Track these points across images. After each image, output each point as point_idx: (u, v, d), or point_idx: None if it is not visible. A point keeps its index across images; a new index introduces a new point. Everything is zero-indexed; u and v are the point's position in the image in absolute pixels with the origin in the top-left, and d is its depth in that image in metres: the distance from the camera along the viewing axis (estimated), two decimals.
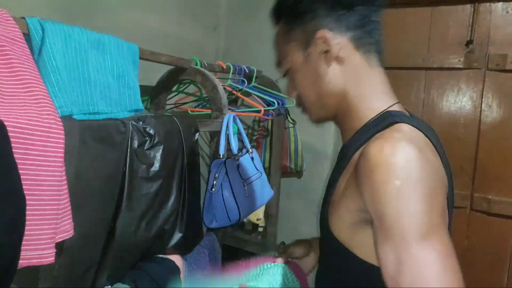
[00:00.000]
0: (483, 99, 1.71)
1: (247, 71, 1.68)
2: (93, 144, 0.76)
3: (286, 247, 1.07)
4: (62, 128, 0.66)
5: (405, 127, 0.64)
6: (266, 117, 1.77)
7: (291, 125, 1.87)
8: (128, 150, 0.85)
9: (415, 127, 0.65)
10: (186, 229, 1.06)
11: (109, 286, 0.88)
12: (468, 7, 1.71)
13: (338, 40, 0.69)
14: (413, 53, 1.81)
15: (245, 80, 1.59)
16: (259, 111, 1.50)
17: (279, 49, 0.77)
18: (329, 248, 0.72)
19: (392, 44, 1.84)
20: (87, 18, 1.23)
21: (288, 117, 1.87)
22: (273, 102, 1.60)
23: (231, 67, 1.57)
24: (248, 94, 1.73)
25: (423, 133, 0.65)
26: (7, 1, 0.96)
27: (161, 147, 0.92)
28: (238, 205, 1.17)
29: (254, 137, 1.95)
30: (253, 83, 1.76)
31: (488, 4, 1.68)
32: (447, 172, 0.69)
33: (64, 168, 0.66)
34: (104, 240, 0.86)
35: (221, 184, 1.18)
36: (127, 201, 0.86)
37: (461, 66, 1.73)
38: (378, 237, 0.58)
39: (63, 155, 0.66)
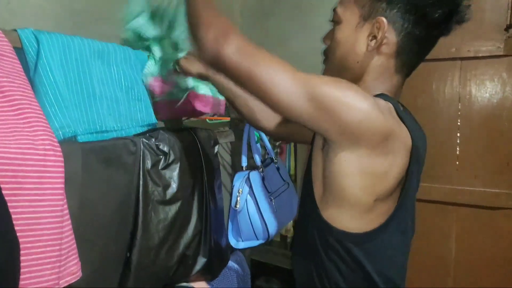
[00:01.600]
0: None
1: None
2: (99, 169, 0.66)
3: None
4: (61, 153, 0.57)
5: (377, 97, 0.66)
6: None
7: None
8: (141, 172, 0.75)
9: (390, 101, 0.68)
10: (210, 252, 0.96)
11: None
12: None
13: (390, 37, 0.69)
14: (445, 42, 1.65)
15: None
16: None
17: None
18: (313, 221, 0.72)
19: None
20: (94, 28, 1.14)
21: None
22: None
23: None
24: None
25: (403, 120, 0.66)
26: (3, 13, 0.89)
27: (178, 165, 0.82)
28: (266, 222, 1.06)
29: (277, 143, 1.83)
30: None
31: None
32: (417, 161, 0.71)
33: (65, 200, 0.57)
34: (120, 274, 0.76)
35: (246, 200, 1.07)
36: (143, 229, 0.76)
37: (501, 53, 1.57)
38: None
39: (62, 185, 0.56)
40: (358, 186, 0.64)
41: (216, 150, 1.00)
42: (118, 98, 0.82)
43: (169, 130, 0.85)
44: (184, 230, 0.86)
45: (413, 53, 0.71)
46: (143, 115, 0.87)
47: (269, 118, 0.96)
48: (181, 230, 0.85)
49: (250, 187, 1.08)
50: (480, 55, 1.61)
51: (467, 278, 1.72)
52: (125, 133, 0.82)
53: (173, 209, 0.81)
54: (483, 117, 1.63)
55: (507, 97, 1.59)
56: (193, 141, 0.90)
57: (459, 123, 1.67)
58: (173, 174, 0.81)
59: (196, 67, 0.93)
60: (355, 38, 0.71)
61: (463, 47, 1.63)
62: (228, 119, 1.26)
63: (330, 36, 0.78)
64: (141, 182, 0.75)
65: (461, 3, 0.70)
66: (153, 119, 0.88)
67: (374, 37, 0.69)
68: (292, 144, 1.79)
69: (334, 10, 0.77)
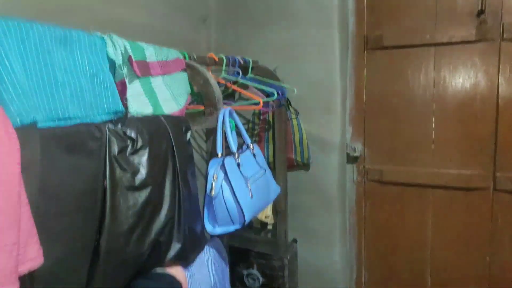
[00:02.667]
0: (499, 73, 1.58)
1: (242, 62, 1.57)
2: (60, 155, 0.65)
3: None
4: (16, 139, 0.56)
5: None
6: (266, 109, 1.66)
7: (293, 115, 1.75)
8: (107, 158, 0.74)
9: None
10: (185, 238, 0.96)
11: None
12: None
13: None
14: (420, 29, 1.68)
15: (239, 71, 1.47)
16: (257, 103, 1.38)
17: None
18: None
19: (397, 20, 1.71)
20: (64, 16, 1.12)
21: (290, 107, 1.75)
22: (272, 92, 1.49)
23: (224, 58, 1.46)
24: (245, 87, 1.62)
25: None
26: None
27: (146, 150, 0.82)
28: (241, 207, 1.06)
29: (255, 132, 1.84)
30: (249, 75, 1.64)
31: None
32: None
33: (22, 187, 0.56)
34: (89, 262, 0.76)
35: (221, 185, 1.07)
36: (111, 215, 0.76)
37: (473, 39, 1.60)
38: None
39: (18, 171, 0.55)
40: None
41: (188, 136, 0.99)
42: (82, 85, 0.81)
43: (136, 117, 0.84)
44: (156, 216, 0.86)
45: None
46: (109, 102, 0.85)
47: None
48: (153, 216, 0.85)
49: (225, 173, 1.08)
50: (453, 41, 1.63)
51: (443, 256, 1.76)
52: (90, 120, 0.81)
53: (143, 195, 0.81)
54: (457, 102, 1.66)
55: (480, 82, 1.62)
56: (163, 127, 0.89)
57: (434, 108, 1.70)
58: (142, 160, 0.81)
59: None
60: None
61: (437, 34, 1.66)
62: (202, 107, 1.25)
63: None
64: (107, 168, 0.74)
65: None
66: (120, 106, 0.87)
67: None
68: (270, 132, 1.79)
69: None
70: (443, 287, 1.78)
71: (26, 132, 0.60)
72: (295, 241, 1.81)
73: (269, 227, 1.86)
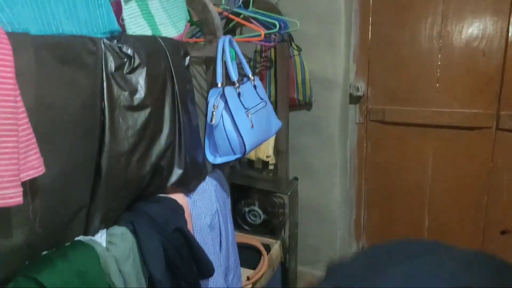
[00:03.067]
0: (511, 9, 1.51)
1: None
2: (55, 66, 0.63)
3: None
4: (8, 42, 0.53)
5: None
6: (268, 44, 1.61)
7: (296, 52, 1.70)
8: (103, 74, 0.72)
9: None
10: (186, 164, 0.96)
11: (105, 230, 0.80)
12: None
13: None
14: None
15: (240, 2, 1.41)
16: (259, 35, 1.34)
17: None
18: None
19: None
20: None
21: (293, 43, 1.70)
22: (274, 24, 1.43)
23: None
24: (246, 21, 1.56)
25: None
26: None
27: (144, 70, 0.79)
28: (242, 137, 1.06)
29: (257, 70, 1.80)
30: (251, 8, 1.58)
31: None
32: None
33: (18, 92, 0.55)
34: (92, 180, 0.76)
35: (222, 115, 1.06)
36: (111, 134, 0.75)
37: None
38: None
39: (13, 75, 0.54)
40: None
41: (187, 62, 0.96)
42: (75, 2, 0.77)
43: (132, 35, 0.81)
44: (156, 139, 0.85)
45: None
46: (104, 21, 0.82)
47: None
48: (153, 139, 0.85)
49: (226, 102, 1.06)
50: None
51: (442, 196, 1.79)
52: None
53: (142, 115, 0.80)
54: (463, 42, 1.61)
55: (487, 27, 1.56)
56: (160, 48, 0.86)
57: (441, 45, 1.65)
58: (139, 79, 0.78)
59: None
60: None
61: None
62: (202, 40, 1.21)
63: None
64: (105, 85, 0.72)
65: None
66: (115, 26, 0.83)
67: None
68: (272, 70, 1.76)
69: None
70: (440, 227, 1.82)
71: (19, 38, 0.57)
72: (296, 178, 1.83)
73: (271, 167, 1.88)
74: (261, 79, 1.77)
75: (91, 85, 0.71)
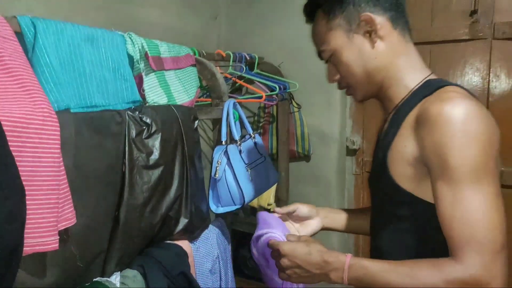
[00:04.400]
0: (490, 70, 1.67)
1: (248, 58, 1.69)
2: (89, 135, 0.79)
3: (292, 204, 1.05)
4: (57, 120, 0.69)
5: (455, 88, 0.73)
6: (269, 103, 1.77)
7: (296, 109, 1.87)
8: (126, 140, 0.87)
9: (461, 87, 0.75)
10: (192, 214, 1.09)
11: (119, 273, 0.92)
12: None
13: (379, 21, 0.78)
14: (417, 27, 1.77)
15: (243, 67, 1.60)
16: (260, 97, 1.50)
17: (319, 39, 0.85)
18: (397, 200, 0.77)
19: None
20: (81, 16, 1.25)
21: (293, 101, 1.87)
22: (275, 87, 1.60)
23: (231, 54, 1.58)
24: (251, 82, 1.74)
25: (470, 93, 0.73)
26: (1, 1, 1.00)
27: (159, 135, 0.95)
28: (242, 189, 1.19)
29: (261, 124, 1.96)
30: (255, 70, 1.76)
31: None
32: None
33: (61, 159, 0.69)
34: (111, 228, 0.89)
35: (224, 169, 1.20)
36: (129, 189, 0.89)
37: (466, 37, 1.69)
38: (437, 180, 0.68)
39: (59, 146, 0.68)
40: None
41: (195, 125, 1.12)
42: (106, 78, 0.94)
43: (151, 106, 0.97)
44: (167, 192, 0.99)
45: (400, 15, 0.80)
46: (129, 93, 0.98)
47: None
48: (164, 193, 0.98)
49: (228, 158, 1.20)
50: (447, 39, 1.73)
51: None
52: (113, 108, 0.94)
53: (155, 173, 0.94)
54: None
55: (471, 78, 1.72)
56: (173, 116, 1.02)
57: None
58: (155, 143, 0.93)
59: (310, 229, 1.00)
60: (356, 49, 0.80)
61: (433, 32, 1.75)
62: (209, 100, 1.37)
63: (334, 72, 0.86)
64: (127, 149, 0.87)
65: None
66: (137, 96, 1.00)
67: (369, 31, 0.78)
68: (274, 125, 1.91)
69: (320, 53, 0.86)
70: None
71: (63, 115, 0.73)
72: None
73: (271, 211, 1.98)
74: (264, 133, 1.93)
75: (116, 149, 0.85)
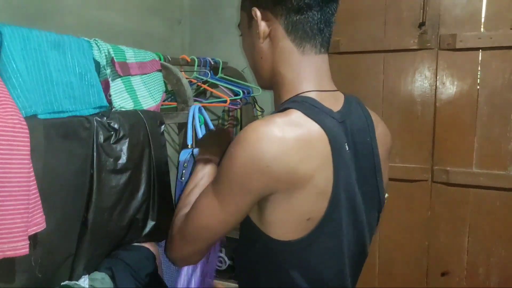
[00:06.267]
0: (437, 78, 1.81)
1: (212, 63, 1.73)
2: (58, 141, 0.80)
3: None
4: (27, 128, 0.70)
5: (294, 113, 0.66)
6: (233, 107, 1.82)
7: (259, 113, 1.93)
8: (94, 145, 0.89)
9: (308, 116, 0.66)
10: (158, 217, 1.11)
11: (87, 276, 0.93)
12: None
13: (270, 21, 0.72)
14: (372, 37, 1.89)
15: (208, 72, 1.64)
16: (225, 101, 1.55)
17: (239, 13, 0.82)
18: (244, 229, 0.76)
19: (352, 29, 1.92)
20: (46, 21, 1.24)
21: (256, 105, 1.93)
22: (239, 92, 1.66)
23: (196, 59, 1.61)
24: (215, 86, 1.78)
25: (319, 124, 0.65)
26: None
27: (127, 140, 0.97)
28: None
29: (225, 127, 2.00)
30: (219, 75, 1.81)
31: None
32: (355, 169, 0.73)
33: (31, 165, 0.70)
34: (79, 232, 0.90)
35: (190, 173, 1.23)
36: (97, 194, 0.91)
37: (415, 47, 1.83)
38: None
39: (29, 153, 0.70)
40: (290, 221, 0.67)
41: (162, 129, 1.15)
42: (72, 83, 0.95)
43: (119, 112, 0.99)
44: (134, 196, 1.01)
45: (302, 24, 0.71)
46: (95, 99, 1.00)
47: None
48: (131, 196, 1.00)
49: (194, 162, 1.23)
50: (399, 48, 1.85)
51: (389, 240, 1.99)
52: (80, 113, 0.95)
53: (123, 177, 0.96)
54: (403, 103, 1.89)
55: (420, 85, 1.86)
56: (140, 121, 1.04)
57: (382, 109, 1.92)
58: (123, 148, 0.96)
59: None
60: (251, 39, 0.77)
61: (386, 41, 1.87)
62: (175, 104, 1.40)
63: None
64: (95, 154, 0.89)
65: None
66: (104, 102, 1.01)
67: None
68: (238, 128, 1.97)
69: (238, 26, 0.84)
70: (389, 266, 2.01)
71: (33, 122, 0.74)
72: None
73: None
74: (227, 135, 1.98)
75: (84, 154, 0.87)
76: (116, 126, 0.95)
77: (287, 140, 0.62)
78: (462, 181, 1.81)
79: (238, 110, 1.93)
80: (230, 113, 1.98)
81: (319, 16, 0.72)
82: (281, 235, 0.67)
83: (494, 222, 1.79)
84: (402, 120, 1.89)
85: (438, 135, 1.83)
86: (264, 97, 1.91)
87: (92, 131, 0.89)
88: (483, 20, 1.72)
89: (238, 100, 1.74)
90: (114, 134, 0.94)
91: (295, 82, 0.73)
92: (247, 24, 0.78)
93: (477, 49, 1.73)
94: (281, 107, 0.70)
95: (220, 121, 2.02)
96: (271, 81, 0.78)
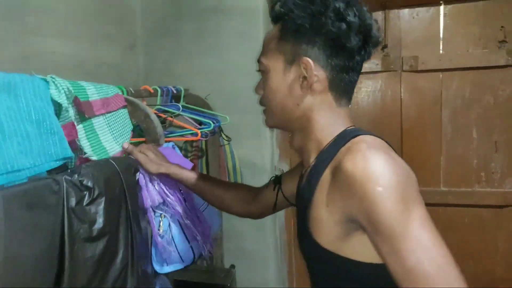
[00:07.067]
0: (402, 98, 1.83)
1: (174, 92, 1.59)
2: (22, 214, 0.62)
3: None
4: None
5: (366, 137, 0.71)
6: (202, 138, 1.68)
7: (226, 142, 1.80)
8: (65, 211, 0.71)
9: (374, 135, 0.73)
10: (138, 281, 0.94)
11: None
12: (380, 14, 1.82)
13: (319, 73, 0.74)
14: None
15: (179, 105, 1.50)
16: (196, 135, 1.41)
17: (265, 47, 0.80)
18: (324, 262, 0.73)
19: None
20: None
21: (222, 134, 1.80)
22: (208, 123, 1.52)
23: (159, 89, 1.46)
24: (177, 115, 1.63)
25: (382, 139, 0.73)
26: None
27: (103, 199, 0.80)
28: (191, 244, 1.08)
29: (188, 158, 1.84)
30: (181, 103, 1.66)
31: (396, 10, 1.80)
32: None
33: None
34: None
35: (169, 223, 1.07)
36: (70, 270, 0.72)
37: (380, 69, 1.83)
38: (377, 242, 0.63)
39: None
40: None
41: (137, 177, 0.98)
42: (29, 133, 0.76)
43: (90, 164, 0.82)
44: (112, 264, 0.84)
45: (344, 83, 0.75)
46: (57, 149, 0.81)
47: (238, 205, 1.09)
48: (109, 265, 0.83)
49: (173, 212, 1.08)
50: (364, 70, 1.84)
51: None
52: (39, 169, 0.77)
53: (100, 244, 0.79)
54: (369, 123, 1.88)
55: (386, 106, 1.86)
56: (115, 172, 0.87)
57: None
58: (99, 209, 0.78)
59: (155, 167, 1.00)
60: (287, 83, 0.75)
61: None
62: (144, 139, 1.24)
63: (261, 86, 0.82)
64: (65, 222, 0.71)
65: (372, 29, 0.74)
66: (68, 152, 0.83)
67: (305, 77, 0.73)
68: (204, 159, 1.82)
69: (259, 60, 0.80)
70: None
71: None
72: (233, 266, 1.84)
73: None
74: (193, 168, 1.82)
75: (52, 223, 0.69)
76: (89, 183, 0.77)
77: (394, 156, 0.68)
78: (430, 200, 1.83)
79: (203, 141, 1.79)
80: (194, 144, 1.83)
81: (357, 77, 0.78)
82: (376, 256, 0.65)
83: (463, 239, 1.82)
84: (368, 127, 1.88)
85: (406, 155, 1.84)
86: (230, 126, 1.79)
87: (61, 194, 0.71)
88: (441, 42, 1.77)
89: (206, 131, 1.61)
90: (87, 194, 0.77)
91: (334, 124, 0.77)
92: (283, 67, 0.76)
93: (438, 70, 1.77)
94: (340, 142, 0.72)
95: (183, 152, 1.85)
96: (295, 124, 0.79)
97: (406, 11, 1.79)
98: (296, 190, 0.86)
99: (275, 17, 0.78)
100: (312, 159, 0.78)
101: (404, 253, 0.59)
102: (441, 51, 1.77)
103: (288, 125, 0.81)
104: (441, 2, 1.74)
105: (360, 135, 0.71)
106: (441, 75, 1.78)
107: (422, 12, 1.77)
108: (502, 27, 1.69)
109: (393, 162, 0.64)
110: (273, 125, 0.85)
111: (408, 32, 1.80)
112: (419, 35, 1.79)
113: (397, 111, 1.84)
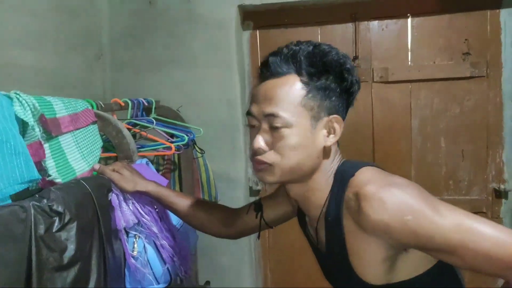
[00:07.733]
0: (373, 109, 1.86)
1: (146, 104, 1.54)
2: None
3: None
4: None
5: (364, 175, 0.75)
6: (175, 152, 1.63)
7: (199, 154, 1.76)
8: (33, 240, 0.65)
9: (364, 165, 0.79)
10: None
11: None
12: (350, 25, 1.84)
13: (342, 125, 0.79)
14: None
15: (152, 119, 1.45)
16: (170, 148, 1.36)
17: (283, 102, 0.74)
18: None
19: None
20: None
21: (196, 146, 1.76)
22: (182, 136, 1.48)
23: (130, 102, 1.41)
24: (146, 127, 1.57)
25: (373, 165, 0.80)
26: None
27: (74, 224, 0.74)
28: (167, 266, 1.03)
29: (160, 173, 1.78)
30: (153, 115, 1.61)
31: (366, 22, 1.83)
32: None
33: None
34: None
35: (144, 244, 1.02)
36: None
37: None
38: (431, 252, 0.69)
39: None
40: None
41: (110, 197, 0.93)
42: None
43: (60, 187, 0.76)
44: None
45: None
46: (22, 171, 0.75)
47: (217, 228, 1.06)
48: None
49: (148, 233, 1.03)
50: None
51: None
52: (2, 194, 0.71)
53: (71, 273, 0.73)
54: (342, 135, 1.89)
55: (359, 117, 1.88)
56: (87, 194, 0.82)
57: None
58: (70, 235, 0.73)
59: (131, 185, 0.96)
60: (313, 139, 0.75)
61: None
62: (115, 155, 1.18)
63: (266, 140, 0.75)
64: (33, 252, 0.65)
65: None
66: (35, 174, 0.77)
67: (330, 132, 0.77)
68: (176, 172, 1.77)
69: (273, 114, 0.73)
70: None
71: None
72: (208, 283, 1.79)
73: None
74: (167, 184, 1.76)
75: (19, 255, 0.63)
76: (60, 208, 0.71)
77: (394, 177, 0.75)
78: None
79: (176, 154, 1.74)
80: (166, 157, 1.77)
81: None
82: (413, 271, 0.73)
83: None
84: (343, 152, 1.89)
85: (378, 154, 1.86)
86: (203, 138, 1.75)
87: (28, 222, 0.65)
88: (409, 54, 1.82)
89: (179, 145, 1.56)
90: (57, 220, 0.71)
91: (331, 163, 0.81)
92: (310, 124, 0.75)
93: (407, 81, 1.82)
94: (342, 181, 0.77)
95: (155, 166, 1.79)
96: (301, 178, 0.79)
97: (376, 23, 1.83)
98: (309, 233, 0.93)
99: (277, 68, 0.76)
100: (316, 207, 0.81)
101: (479, 250, 0.63)
102: (409, 63, 1.81)
103: (295, 179, 0.80)
104: (408, 15, 1.79)
105: (356, 172, 0.75)
106: (410, 86, 1.82)
107: (391, 24, 1.82)
108: (466, 39, 1.76)
109: (399, 188, 0.69)
110: (278, 182, 0.79)
111: (378, 44, 1.83)
112: (388, 47, 1.82)
113: (369, 121, 1.87)
